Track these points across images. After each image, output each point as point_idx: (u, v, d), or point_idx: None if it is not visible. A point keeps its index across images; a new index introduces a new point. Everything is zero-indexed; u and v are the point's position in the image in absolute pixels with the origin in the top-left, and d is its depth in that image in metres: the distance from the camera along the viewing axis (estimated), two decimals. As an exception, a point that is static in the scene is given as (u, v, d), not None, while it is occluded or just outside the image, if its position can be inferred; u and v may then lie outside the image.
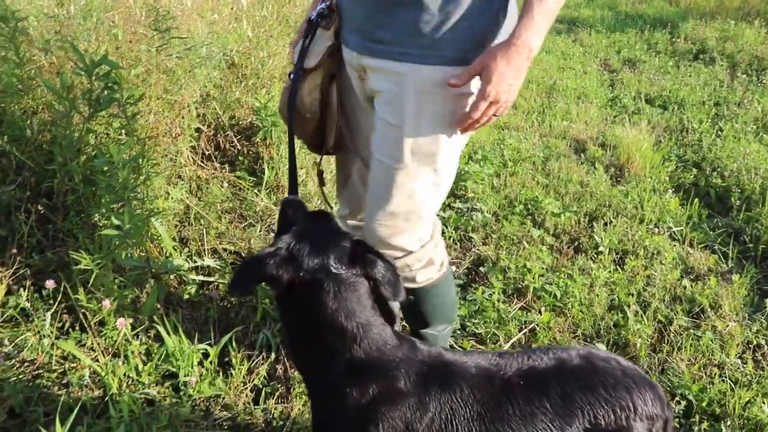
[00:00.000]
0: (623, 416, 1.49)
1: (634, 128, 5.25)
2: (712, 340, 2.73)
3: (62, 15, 3.25)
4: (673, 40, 9.08)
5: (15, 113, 2.90)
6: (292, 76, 1.95)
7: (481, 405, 1.51)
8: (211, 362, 2.35)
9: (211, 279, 2.84)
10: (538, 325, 2.81)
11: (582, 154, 4.95)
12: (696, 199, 4.08)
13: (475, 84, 1.70)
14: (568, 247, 3.49)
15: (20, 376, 2.24)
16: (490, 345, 2.71)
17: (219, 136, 3.64)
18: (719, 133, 5.34)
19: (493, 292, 2.94)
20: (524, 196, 3.97)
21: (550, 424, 1.48)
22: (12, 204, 2.74)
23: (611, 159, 4.80)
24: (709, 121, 5.66)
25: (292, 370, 2.43)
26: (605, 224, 3.73)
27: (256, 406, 2.28)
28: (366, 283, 1.52)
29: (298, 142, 2.17)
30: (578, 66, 7.79)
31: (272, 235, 3.22)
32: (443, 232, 3.50)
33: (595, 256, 3.42)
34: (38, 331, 2.39)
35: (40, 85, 3.02)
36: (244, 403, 2.28)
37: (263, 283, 1.50)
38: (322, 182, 2.20)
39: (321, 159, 2.19)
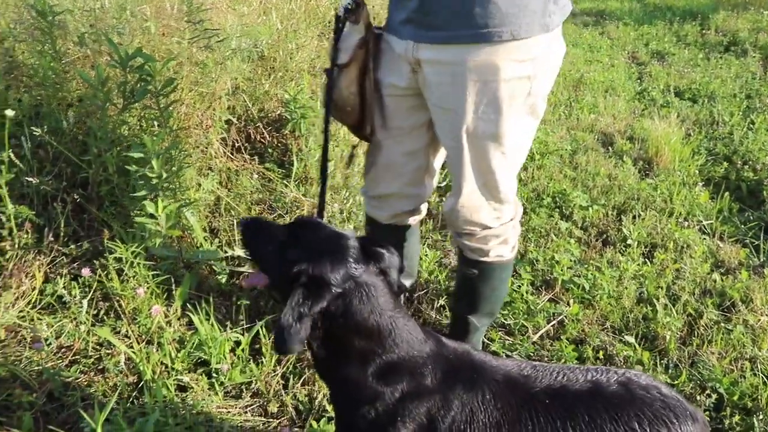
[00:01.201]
0: None
1: (663, 121, 5.20)
2: (743, 334, 2.70)
3: (97, 9, 3.31)
4: (703, 32, 8.95)
5: (52, 105, 2.96)
6: (327, 71, 2.00)
7: (501, 414, 1.48)
8: (242, 350, 2.38)
9: (241, 269, 2.88)
10: (566, 317, 2.81)
11: (610, 148, 4.91)
12: (726, 193, 4.03)
13: (530, 67, 1.75)
14: (597, 240, 3.48)
15: (58, 362, 2.30)
16: (519, 336, 2.72)
17: (249, 128, 3.67)
18: (751, 126, 5.26)
19: (522, 284, 2.95)
20: (552, 189, 3.95)
21: None
22: (49, 194, 2.80)
23: (639, 152, 4.76)
24: (741, 113, 5.58)
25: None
26: (634, 217, 3.70)
27: (285, 391, 2.32)
28: (383, 279, 1.51)
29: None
30: (606, 59, 7.71)
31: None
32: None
33: (624, 249, 3.40)
34: (75, 318, 2.44)
35: (75, 78, 3.08)
36: (274, 390, 2.32)
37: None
38: (349, 163, 2.26)
39: (358, 144, 2.23)
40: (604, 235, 3.55)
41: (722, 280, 3.11)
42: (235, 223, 3.11)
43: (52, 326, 2.40)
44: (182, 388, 2.28)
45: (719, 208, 3.89)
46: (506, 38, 1.73)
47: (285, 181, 3.53)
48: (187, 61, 3.22)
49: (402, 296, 2.14)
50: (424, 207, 2.39)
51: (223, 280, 2.80)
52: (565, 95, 6.16)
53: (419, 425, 1.48)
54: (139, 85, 2.74)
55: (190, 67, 3.20)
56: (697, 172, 4.42)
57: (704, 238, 3.55)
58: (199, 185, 3.12)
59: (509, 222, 2.10)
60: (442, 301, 2.88)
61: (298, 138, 3.73)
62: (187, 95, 3.19)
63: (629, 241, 3.43)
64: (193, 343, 2.36)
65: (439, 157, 2.22)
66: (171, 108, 2.87)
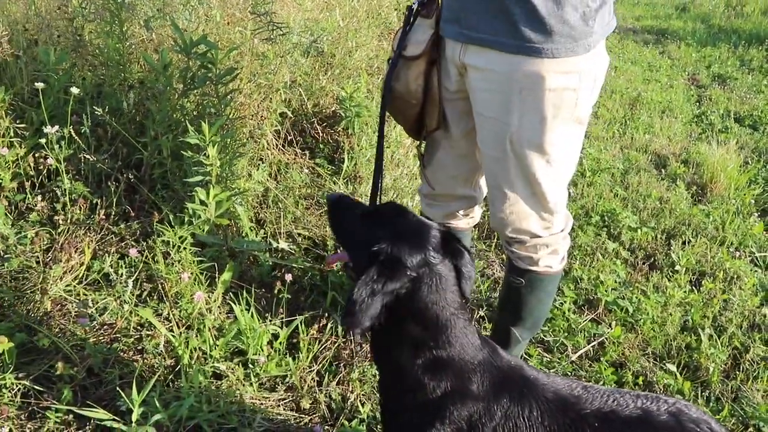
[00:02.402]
0: None
1: (721, 147, 5.07)
2: (790, 374, 2.63)
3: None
4: (769, 58, 8.72)
5: (114, 86, 3.02)
6: (390, 61, 1.99)
7: None
8: (280, 343, 2.39)
9: (284, 262, 2.90)
10: (607, 338, 2.76)
11: (663, 170, 4.82)
12: (782, 226, 3.92)
13: (576, 79, 1.73)
14: (644, 263, 3.41)
15: (100, 338, 2.34)
16: (557, 354, 2.68)
17: (302, 122, 3.69)
18: (813, 159, 5.11)
19: (564, 301, 2.91)
20: (601, 208, 3.89)
21: None
22: (104, 173, 2.85)
23: (693, 177, 4.66)
24: (803, 146, 5.42)
25: (357, 357, 2.46)
26: (683, 243, 3.62)
27: (319, 389, 2.32)
28: (455, 276, 1.50)
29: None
30: (664, 79, 7.56)
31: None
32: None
33: (671, 274, 3.33)
34: (119, 297, 2.48)
35: (138, 60, 3.14)
36: (308, 386, 2.32)
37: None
38: (423, 164, 2.25)
39: (420, 144, 2.22)
40: (652, 259, 3.48)
41: (772, 316, 3.02)
42: (282, 216, 3.13)
43: (97, 303, 2.44)
44: (218, 375, 2.30)
45: (774, 240, 3.78)
46: (548, 56, 1.71)
47: (334, 178, 3.54)
48: (248, 51, 3.25)
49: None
50: (477, 210, 2.39)
51: (266, 272, 2.82)
52: (621, 113, 6.06)
53: (458, 428, 1.47)
54: (200, 72, 2.77)
55: (251, 58, 3.23)
56: (752, 201, 4.29)
57: (756, 271, 3.46)
58: (250, 175, 3.15)
59: (559, 233, 2.07)
60: (482, 312, 2.85)
61: (351, 136, 3.73)
62: (246, 85, 3.22)
63: (677, 267, 3.36)
64: (232, 332, 2.38)
65: None
66: (229, 97, 2.90)
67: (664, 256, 3.50)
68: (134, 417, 1.81)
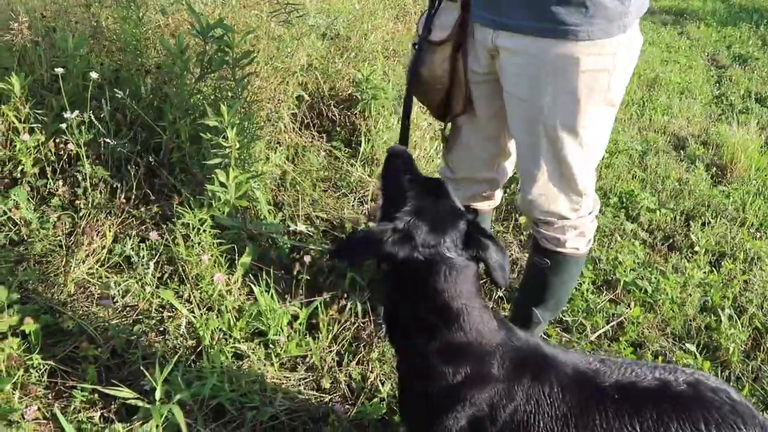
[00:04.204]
0: None
1: (741, 128, 5.02)
2: (812, 353, 2.61)
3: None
4: (792, 37, 8.59)
5: (131, 71, 3.04)
6: (416, 46, 1.99)
7: (569, 407, 1.47)
8: (300, 324, 2.41)
9: (303, 244, 2.91)
10: (626, 318, 2.76)
11: (682, 151, 4.77)
12: (804, 207, 3.87)
13: (610, 60, 1.73)
14: (662, 245, 3.40)
15: (123, 320, 2.37)
16: (576, 334, 2.68)
17: (319, 105, 3.70)
18: (835, 139, 5.04)
19: (583, 282, 2.90)
20: (619, 189, 3.87)
21: None
22: (123, 157, 2.88)
23: (713, 158, 4.61)
24: (825, 126, 5.35)
25: (377, 337, 2.47)
26: (703, 224, 3.60)
27: (339, 368, 2.34)
28: (475, 267, 1.51)
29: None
30: (683, 60, 7.47)
31: (366, 206, 3.27)
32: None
33: (690, 255, 3.31)
34: (140, 279, 2.52)
35: (155, 45, 3.15)
36: (328, 365, 2.34)
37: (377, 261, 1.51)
38: (447, 148, 2.25)
39: (445, 126, 2.23)
40: (671, 240, 3.46)
41: (794, 297, 3.00)
42: (300, 198, 3.14)
43: (119, 285, 2.47)
44: (239, 356, 2.33)
45: (795, 221, 3.75)
46: (583, 38, 1.70)
47: (351, 161, 3.55)
48: (264, 35, 3.26)
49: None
50: (498, 193, 2.40)
51: (285, 254, 2.84)
52: (639, 95, 6.00)
53: (478, 411, 1.49)
54: (216, 56, 2.78)
55: (268, 41, 3.24)
56: (773, 182, 4.25)
57: (777, 252, 3.43)
58: (268, 158, 3.16)
59: (587, 215, 2.07)
60: (500, 293, 2.85)
61: (367, 119, 3.73)
62: (263, 68, 3.23)
63: (696, 248, 3.34)
64: (252, 313, 2.40)
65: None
66: (246, 80, 2.90)
67: (683, 237, 3.47)
68: (158, 395, 1.84)
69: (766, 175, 4.32)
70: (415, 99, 2.19)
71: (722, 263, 3.23)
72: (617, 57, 1.76)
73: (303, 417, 2.15)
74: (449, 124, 2.21)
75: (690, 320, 2.79)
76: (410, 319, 1.52)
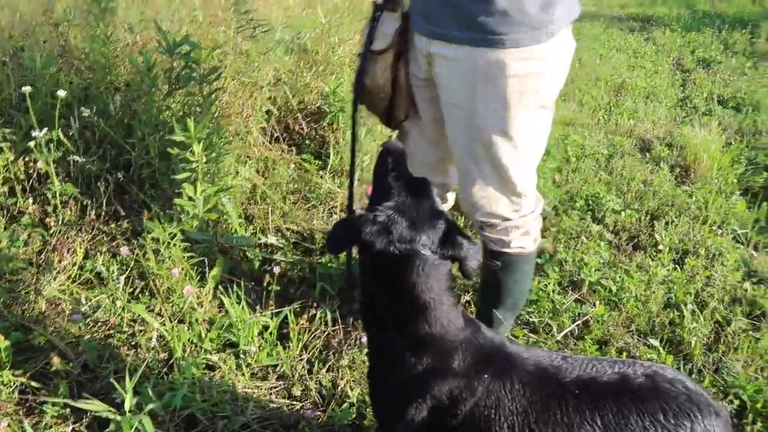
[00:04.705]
0: None
1: (704, 129, 5.14)
2: (771, 344, 2.69)
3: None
4: (753, 40, 8.80)
5: (100, 89, 3.07)
6: (359, 56, 2.06)
7: (530, 403, 1.52)
8: (270, 333, 2.45)
9: (274, 256, 2.95)
10: (591, 317, 2.82)
11: (647, 153, 4.88)
12: (765, 203, 3.97)
13: (538, 65, 1.80)
14: (627, 244, 3.47)
15: (94, 334, 2.40)
16: (543, 335, 2.74)
17: (288, 119, 3.75)
18: (795, 137, 5.19)
19: (548, 283, 2.97)
20: (585, 192, 3.95)
21: None
22: (93, 174, 2.91)
23: (677, 159, 4.72)
24: (786, 124, 5.50)
25: (347, 345, 2.52)
26: (667, 223, 3.68)
27: (310, 376, 2.38)
28: (449, 265, 1.56)
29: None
30: (649, 65, 7.63)
31: (335, 217, 3.32)
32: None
33: (655, 254, 3.39)
34: (111, 294, 2.54)
35: (124, 63, 3.19)
36: (299, 374, 2.38)
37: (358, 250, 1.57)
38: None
39: (394, 132, 2.30)
40: (636, 240, 3.54)
41: (754, 290, 3.09)
42: (270, 211, 3.19)
43: (90, 301, 2.50)
44: (210, 367, 2.36)
45: (756, 217, 3.84)
46: (509, 45, 1.78)
47: (321, 173, 3.60)
48: (231, 50, 3.31)
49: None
50: (450, 196, 2.45)
51: (256, 266, 2.88)
52: (605, 100, 6.13)
53: (439, 402, 1.54)
54: (184, 72, 2.83)
55: (235, 57, 3.28)
56: (735, 181, 4.36)
57: (738, 247, 3.52)
58: (237, 172, 3.20)
59: (530, 214, 2.13)
60: (468, 297, 2.91)
61: (336, 131, 3.79)
62: (230, 84, 3.28)
63: (660, 247, 3.42)
64: (223, 325, 2.44)
65: None
66: (214, 95, 2.95)
67: (647, 236, 3.56)
68: (127, 405, 1.87)
69: (727, 174, 4.43)
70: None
71: (685, 260, 3.31)
72: (545, 62, 1.83)
73: (275, 425, 2.19)
74: (396, 132, 2.28)
75: (654, 317, 2.86)
76: (385, 311, 1.57)
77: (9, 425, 1.96)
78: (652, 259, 3.33)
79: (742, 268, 3.30)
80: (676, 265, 3.29)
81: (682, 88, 6.88)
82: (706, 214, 3.82)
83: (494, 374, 1.56)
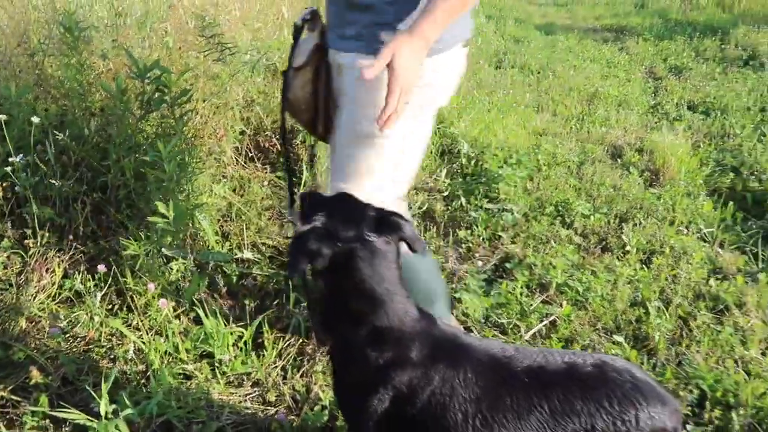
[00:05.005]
0: (624, 430, 1.52)
1: (673, 133, 5.27)
2: (732, 335, 2.78)
3: (120, 24, 3.53)
4: (723, 47, 8.98)
5: (76, 114, 3.17)
6: (283, 74, 2.21)
7: (482, 391, 1.59)
8: (245, 342, 2.53)
9: (250, 271, 3.04)
10: (558, 317, 2.91)
11: (618, 159, 5.00)
12: (731, 203, 4.08)
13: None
14: (596, 247, 3.57)
15: (73, 349, 2.47)
16: (512, 335, 2.83)
17: (261, 138, 3.85)
18: (762, 137, 5.32)
19: (516, 286, 3.06)
20: (555, 199, 4.05)
21: (543, 425, 1.54)
22: (70, 196, 2.99)
23: (647, 164, 4.84)
24: (753, 126, 5.62)
25: (319, 351, 2.60)
26: (635, 225, 3.79)
27: (284, 382, 2.46)
28: (395, 250, 1.64)
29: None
30: (622, 74, 7.79)
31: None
32: (472, 230, 3.66)
33: (622, 255, 3.49)
34: (90, 311, 2.62)
35: (98, 90, 3.29)
36: (273, 380, 2.46)
37: (310, 263, 1.60)
38: (311, 161, 2.43)
39: (316, 142, 2.40)
40: (604, 242, 3.64)
41: (718, 285, 3.18)
42: (245, 227, 3.28)
43: (69, 317, 2.58)
44: (187, 376, 2.44)
45: (722, 217, 3.95)
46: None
47: (294, 189, 3.69)
48: (203, 74, 3.41)
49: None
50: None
51: (233, 281, 2.96)
52: (578, 109, 6.26)
53: (399, 392, 1.62)
54: (155, 96, 2.93)
55: (206, 80, 3.39)
56: (702, 182, 4.48)
57: (704, 246, 3.62)
58: (212, 191, 3.30)
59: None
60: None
61: (308, 148, 3.89)
62: (202, 105, 3.38)
63: (628, 248, 3.52)
64: (199, 336, 2.52)
65: None
66: (185, 117, 3.05)
67: (615, 239, 3.66)
68: (102, 410, 1.94)
69: (695, 176, 4.55)
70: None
71: (652, 260, 3.41)
72: (423, 77, 1.94)
73: (249, 429, 2.27)
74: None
75: (620, 315, 2.95)
76: (343, 313, 1.65)
77: (-11, 438, 2.03)
78: (619, 260, 3.42)
79: (707, 266, 3.40)
80: (643, 265, 3.39)
81: (654, 95, 7.03)
82: (673, 215, 3.93)
83: (449, 363, 1.63)
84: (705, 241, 3.73)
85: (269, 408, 2.37)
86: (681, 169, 4.61)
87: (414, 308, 1.68)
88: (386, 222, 1.64)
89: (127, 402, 2.07)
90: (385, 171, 2.10)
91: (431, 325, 1.70)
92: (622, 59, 8.68)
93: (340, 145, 2.12)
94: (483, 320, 2.92)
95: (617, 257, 3.47)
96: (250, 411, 2.34)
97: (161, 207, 2.67)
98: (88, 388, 2.06)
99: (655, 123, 5.97)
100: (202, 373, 2.42)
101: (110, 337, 2.57)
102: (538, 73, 7.67)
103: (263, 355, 2.53)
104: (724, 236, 3.75)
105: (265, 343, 2.55)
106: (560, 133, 5.56)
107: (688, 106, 6.43)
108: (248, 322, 2.64)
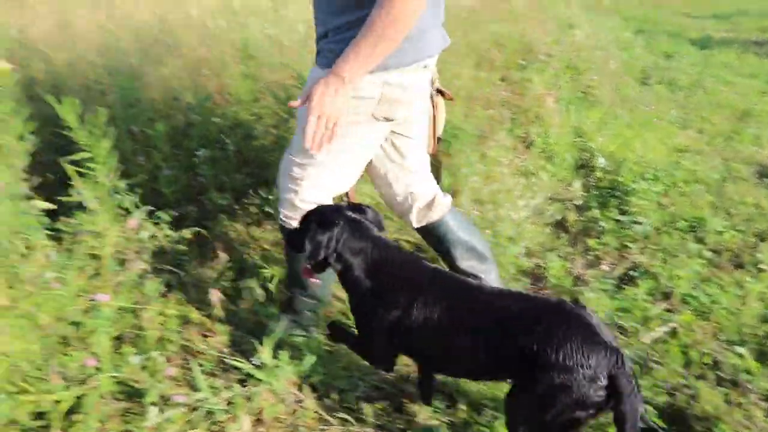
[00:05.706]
0: (542, 349, 1.87)
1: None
2: None
3: (285, 43, 4.02)
4: None
5: (246, 118, 3.66)
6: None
7: (452, 305, 2.12)
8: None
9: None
10: (680, 325, 2.98)
11: (765, 179, 4.88)
12: None
13: (356, 89, 2.23)
14: (727, 262, 3.58)
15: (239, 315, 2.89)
16: (632, 338, 2.93)
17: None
18: None
19: (639, 292, 3.17)
20: (689, 214, 4.07)
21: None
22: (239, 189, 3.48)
23: (800, 185, 4.70)
24: None
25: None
26: (774, 243, 3.74)
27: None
28: (367, 223, 2.31)
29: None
30: (786, 90, 7.43)
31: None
32: (602, 239, 3.80)
33: (756, 273, 3.47)
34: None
35: (265, 97, 3.77)
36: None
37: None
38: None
39: None
40: (737, 258, 3.63)
41: None
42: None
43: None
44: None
45: None
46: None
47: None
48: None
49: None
50: (439, 199, 2.82)
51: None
52: (727, 126, 6.11)
53: (399, 307, 2.15)
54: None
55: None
56: None
57: None
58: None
59: (281, 210, 2.58)
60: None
61: (452, 156, 4.16)
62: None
63: (762, 266, 3.50)
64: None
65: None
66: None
67: (750, 256, 3.64)
68: (266, 360, 2.31)
69: None
70: None
71: (790, 279, 3.36)
72: (362, 89, 2.23)
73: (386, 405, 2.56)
74: None
75: (745, 328, 2.97)
76: (348, 264, 2.25)
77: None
78: (753, 278, 3.41)
79: None
80: (779, 283, 3.35)
81: (821, 114, 6.67)
82: (819, 235, 3.83)
83: (427, 284, 2.17)
84: None
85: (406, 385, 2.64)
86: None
87: (396, 248, 2.30)
88: (359, 209, 2.35)
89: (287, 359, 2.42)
90: (320, 177, 2.46)
91: (417, 261, 2.30)
92: (791, 74, 8.26)
93: (289, 153, 2.50)
94: (607, 322, 3.04)
95: (750, 275, 3.45)
96: (386, 386, 2.62)
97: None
98: (254, 341, 2.45)
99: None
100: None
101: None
102: (687, 89, 7.52)
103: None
104: None
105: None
106: (704, 150, 5.49)
107: None
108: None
